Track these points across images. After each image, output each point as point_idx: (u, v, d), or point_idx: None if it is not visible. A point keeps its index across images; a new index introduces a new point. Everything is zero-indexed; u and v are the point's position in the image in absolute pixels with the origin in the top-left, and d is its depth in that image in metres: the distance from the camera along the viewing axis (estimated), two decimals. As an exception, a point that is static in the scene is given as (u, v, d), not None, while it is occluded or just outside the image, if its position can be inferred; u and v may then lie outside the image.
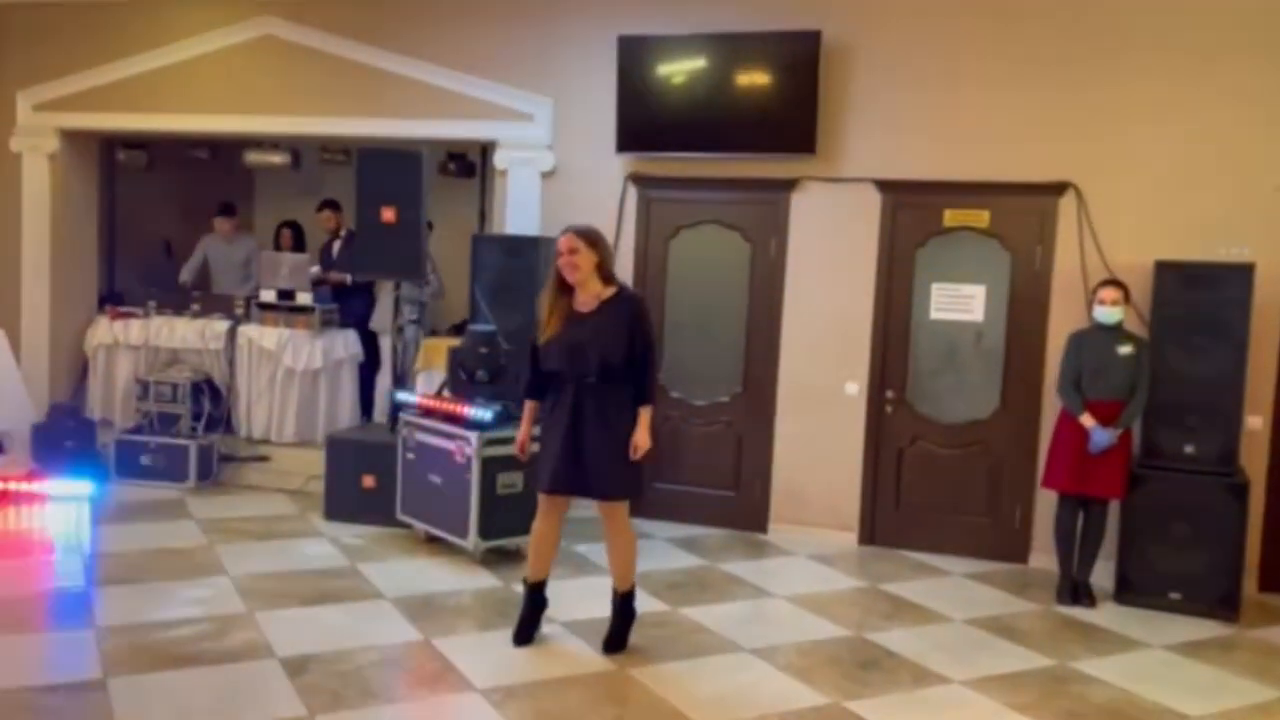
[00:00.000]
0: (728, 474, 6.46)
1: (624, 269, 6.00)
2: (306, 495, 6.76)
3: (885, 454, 6.19)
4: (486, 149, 7.67)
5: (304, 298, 7.21)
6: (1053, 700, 4.05)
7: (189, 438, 6.97)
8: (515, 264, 6.16)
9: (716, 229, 6.44)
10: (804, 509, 6.31)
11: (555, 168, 6.64)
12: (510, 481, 5.46)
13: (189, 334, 7.33)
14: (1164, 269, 5.33)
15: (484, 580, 5.24)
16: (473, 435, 5.38)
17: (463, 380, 5.78)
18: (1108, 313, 5.19)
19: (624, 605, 4.34)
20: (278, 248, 8.40)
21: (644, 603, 4.41)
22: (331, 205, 8.13)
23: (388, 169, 6.02)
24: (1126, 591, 5.28)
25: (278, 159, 8.40)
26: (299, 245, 8.50)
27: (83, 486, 6.42)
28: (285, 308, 7.21)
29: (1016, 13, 5.81)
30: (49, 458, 6.84)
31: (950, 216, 6.03)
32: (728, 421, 6.45)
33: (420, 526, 5.81)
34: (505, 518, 5.46)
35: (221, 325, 7.32)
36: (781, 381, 6.33)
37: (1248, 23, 5.46)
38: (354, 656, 4.17)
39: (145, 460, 6.92)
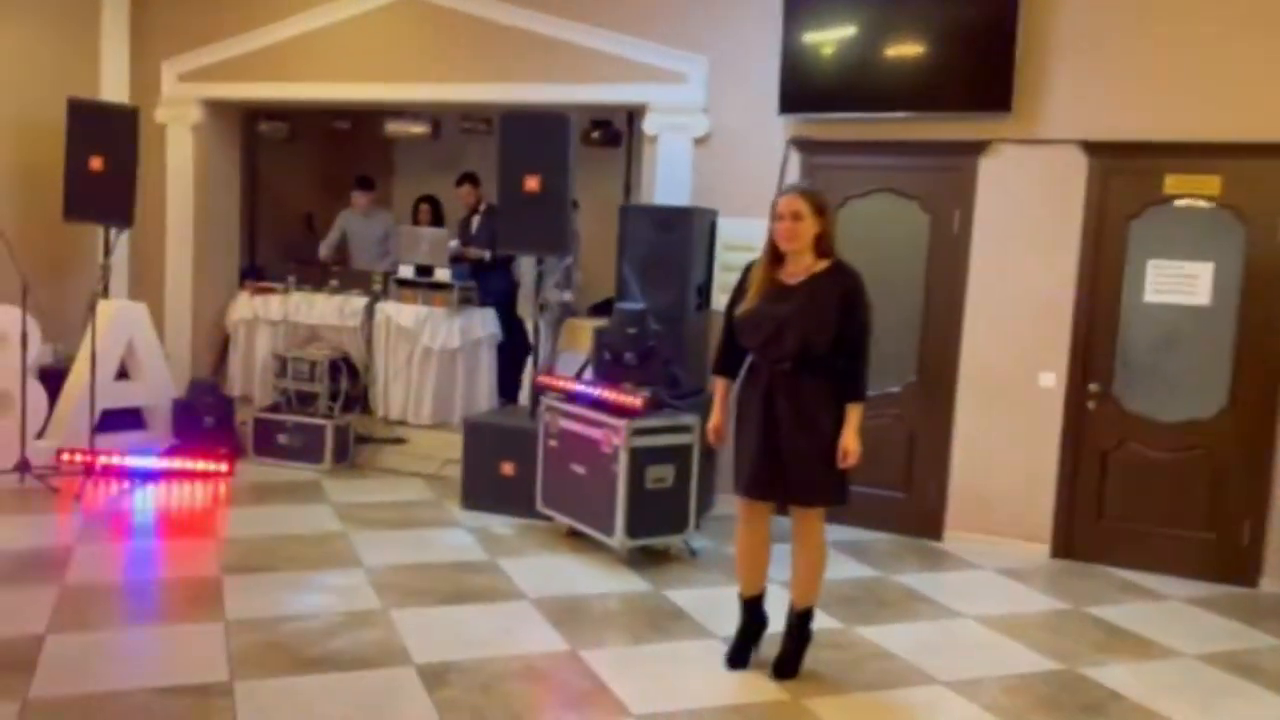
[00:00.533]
0: (898, 473, 5.79)
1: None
2: (442, 480, 6.43)
3: (1086, 456, 5.42)
4: (634, 115, 7.17)
5: (442, 274, 6.86)
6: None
7: (325, 417, 6.72)
8: (666, 238, 5.63)
9: (891, 198, 5.77)
10: (987, 515, 5.60)
11: (710, 132, 6.08)
12: (661, 475, 4.96)
13: (327, 310, 7.09)
14: None
15: (632, 584, 4.75)
16: (621, 423, 4.89)
17: (608, 362, 5.31)
18: None
19: (801, 625, 3.77)
20: (415, 223, 8.11)
21: (815, 619, 3.84)
22: (470, 179, 7.77)
23: (532, 134, 5.57)
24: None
25: (418, 129, 8.10)
26: (437, 220, 8.20)
27: (220, 465, 6.25)
28: (424, 284, 6.88)
29: (1262, -58, 4.94)
30: (189, 434, 6.70)
31: (1172, 183, 5.20)
32: (898, 415, 5.78)
33: (562, 519, 5.37)
34: (655, 515, 4.96)
35: (359, 302, 7.05)
36: (963, 370, 5.63)
37: None
38: (495, 667, 3.73)
39: (281, 439, 6.70)
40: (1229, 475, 5.16)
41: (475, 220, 7.76)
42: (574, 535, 5.32)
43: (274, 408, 6.88)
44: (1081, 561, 5.40)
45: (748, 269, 3.73)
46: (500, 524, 5.56)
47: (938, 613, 4.59)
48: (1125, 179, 5.28)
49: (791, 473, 3.55)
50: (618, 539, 4.93)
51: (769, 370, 3.57)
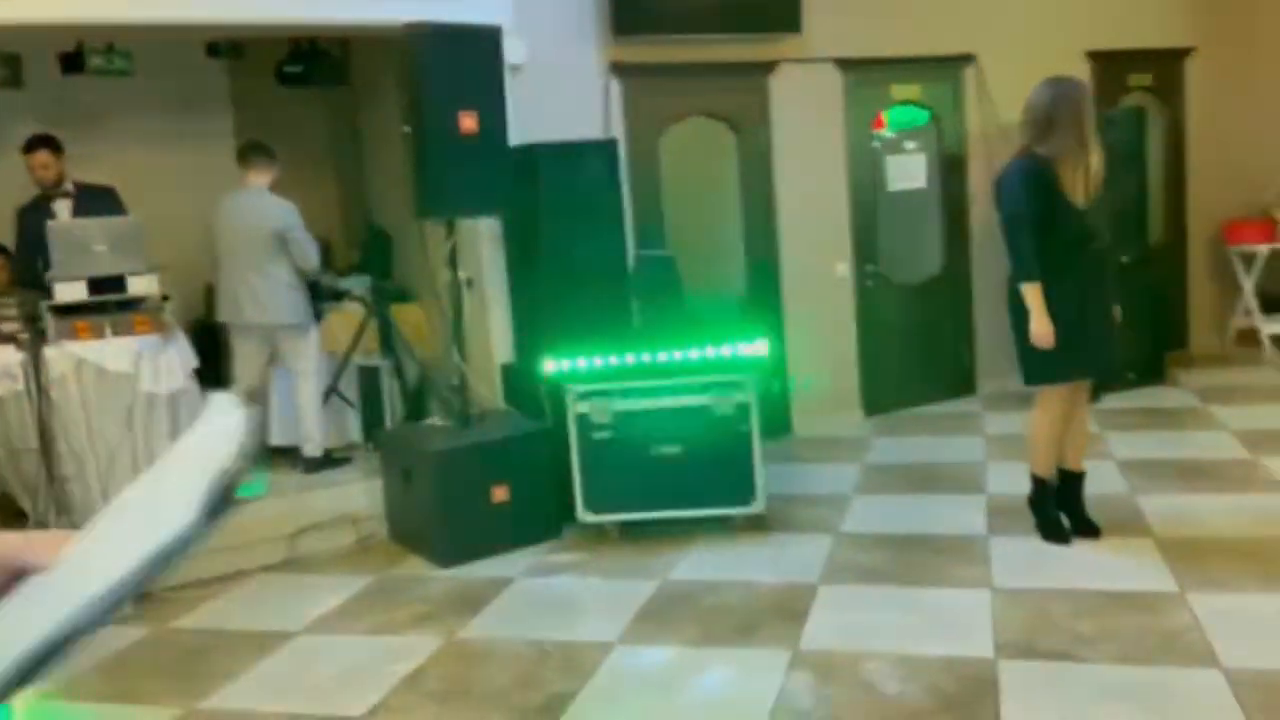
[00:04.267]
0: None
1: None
2: (303, 564, 4.55)
3: (873, 326, 6.43)
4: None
5: (145, 284, 4.61)
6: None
7: None
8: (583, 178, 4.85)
9: (704, 122, 5.86)
10: (821, 396, 6.28)
11: (524, 61, 5.25)
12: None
13: None
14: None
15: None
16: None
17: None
18: None
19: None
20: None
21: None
22: (48, 143, 5.13)
23: (456, 57, 4.19)
24: None
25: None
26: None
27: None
28: (113, 305, 4.54)
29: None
30: None
31: (896, 91, 6.42)
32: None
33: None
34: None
35: (10, 356, 4.33)
36: (784, 273, 6.12)
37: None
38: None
39: None
40: (948, 316, 6.74)
41: (59, 206, 5.18)
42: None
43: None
44: (885, 414, 6.48)
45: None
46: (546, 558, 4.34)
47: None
48: (866, 90, 6.30)
49: None
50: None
51: None
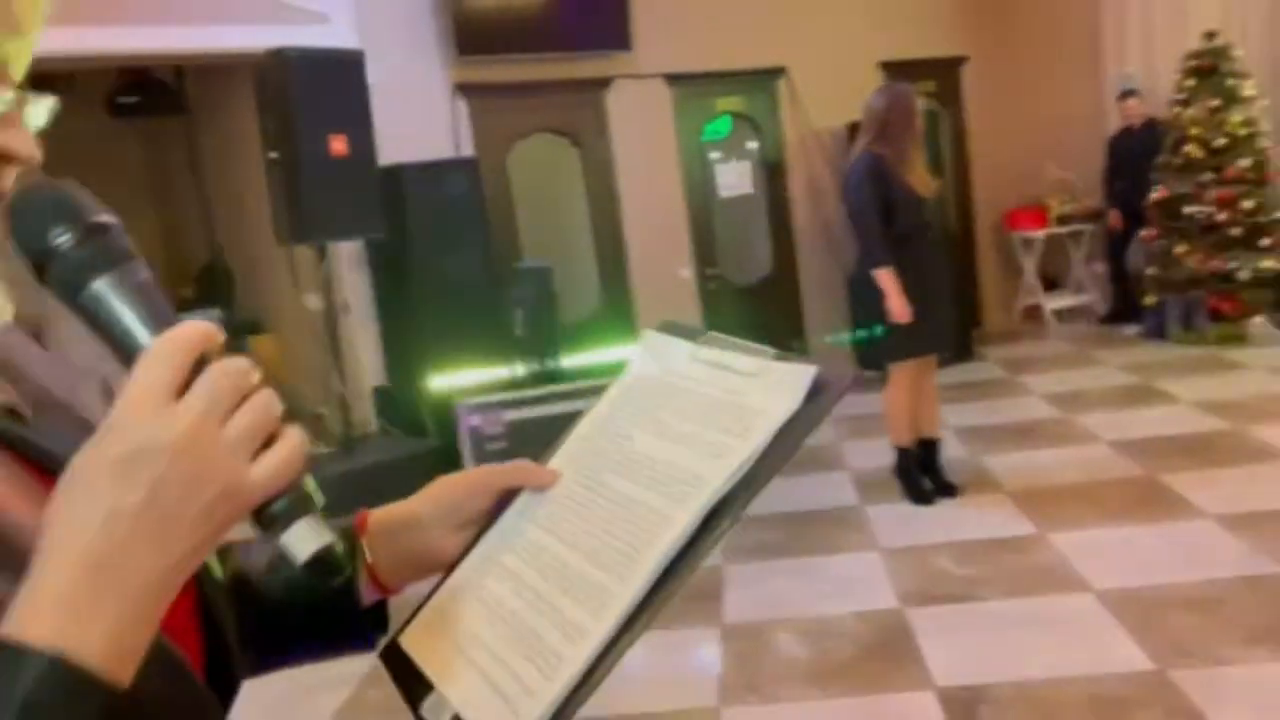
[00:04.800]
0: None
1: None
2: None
3: (716, 325, 6.76)
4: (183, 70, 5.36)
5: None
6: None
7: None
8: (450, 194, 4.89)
9: (548, 138, 6.02)
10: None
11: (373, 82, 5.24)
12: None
13: None
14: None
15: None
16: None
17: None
18: None
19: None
20: None
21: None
22: None
23: (323, 80, 4.14)
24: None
25: None
26: None
27: None
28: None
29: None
30: None
31: (720, 104, 6.80)
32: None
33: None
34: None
35: None
36: (633, 281, 6.36)
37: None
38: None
39: None
40: (781, 312, 7.19)
41: None
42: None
43: None
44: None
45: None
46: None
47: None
48: (693, 102, 6.65)
49: None
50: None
51: None
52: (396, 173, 4.70)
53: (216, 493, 0.52)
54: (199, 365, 0.53)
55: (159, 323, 0.56)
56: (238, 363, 0.54)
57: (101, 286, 0.57)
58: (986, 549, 3.90)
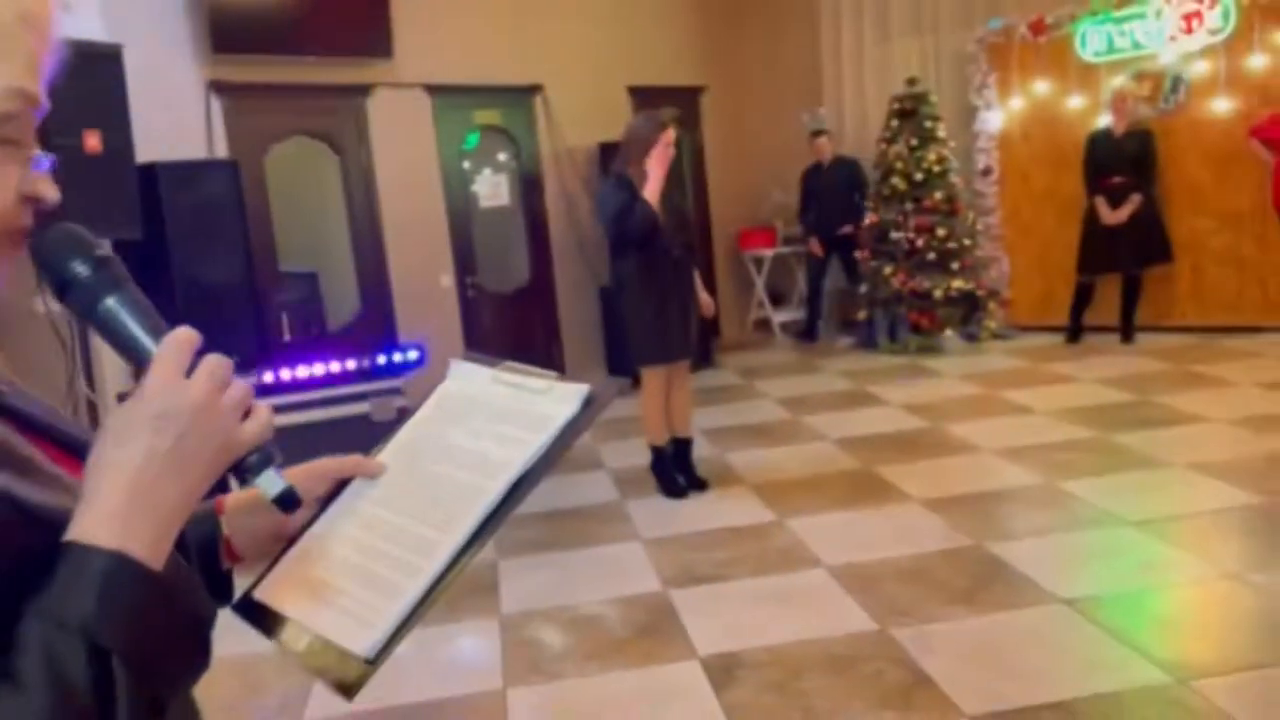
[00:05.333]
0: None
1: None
2: None
3: (478, 333, 6.94)
4: None
5: None
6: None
7: None
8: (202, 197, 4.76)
9: (305, 141, 5.96)
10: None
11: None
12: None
13: None
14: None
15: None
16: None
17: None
18: None
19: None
20: None
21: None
22: None
23: (74, 74, 3.92)
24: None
25: None
26: None
27: None
28: None
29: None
30: None
31: (478, 116, 6.97)
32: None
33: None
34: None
35: None
36: (395, 288, 6.40)
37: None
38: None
39: None
40: (539, 321, 7.46)
41: None
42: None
43: None
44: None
45: None
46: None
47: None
48: (453, 113, 6.79)
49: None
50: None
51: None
52: (152, 172, 4.53)
53: (220, 444, 0.72)
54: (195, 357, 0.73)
55: (157, 329, 0.76)
56: (221, 357, 0.74)
57: (112, 304, 0.76)
58: (734, 535, 4.34)
